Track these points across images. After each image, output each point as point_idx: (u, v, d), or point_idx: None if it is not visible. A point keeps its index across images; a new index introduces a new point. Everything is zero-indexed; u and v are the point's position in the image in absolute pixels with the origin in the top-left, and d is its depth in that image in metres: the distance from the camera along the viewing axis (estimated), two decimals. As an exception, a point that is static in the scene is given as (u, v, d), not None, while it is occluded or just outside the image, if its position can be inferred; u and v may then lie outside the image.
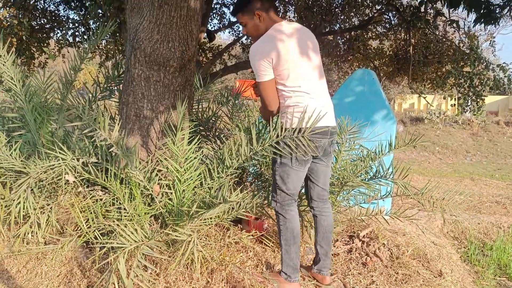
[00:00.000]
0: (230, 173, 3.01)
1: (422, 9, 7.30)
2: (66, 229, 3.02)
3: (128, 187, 2.93)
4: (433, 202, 3.19)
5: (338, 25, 9.57)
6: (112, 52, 8.66)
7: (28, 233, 2.98)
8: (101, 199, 3.01)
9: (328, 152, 2.67)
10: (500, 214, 6.01)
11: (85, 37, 8.10)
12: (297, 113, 2.49)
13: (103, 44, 8.79)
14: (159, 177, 3.04)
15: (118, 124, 2.84)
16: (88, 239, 2.89)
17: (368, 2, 8.87)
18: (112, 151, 2.79)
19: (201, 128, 3.78)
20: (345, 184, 3.23)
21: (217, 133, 3.77)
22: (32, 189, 2.98)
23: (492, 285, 3.47)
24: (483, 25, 4.42)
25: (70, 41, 8.36)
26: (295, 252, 2.68)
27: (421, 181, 9.25)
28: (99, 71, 8.58)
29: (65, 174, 2.82)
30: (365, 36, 9.83)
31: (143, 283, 2.36)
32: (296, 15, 9.29)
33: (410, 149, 15.05)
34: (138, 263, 2.32)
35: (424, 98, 9.51)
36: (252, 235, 3.23)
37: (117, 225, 2.61)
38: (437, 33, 8.74)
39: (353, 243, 3.49)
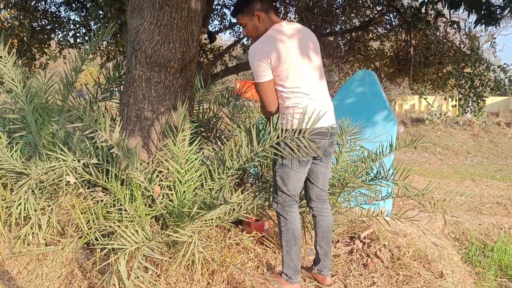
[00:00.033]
0: (231, 174, 3.01)
1: (423, 10, 7.30)
2: (67, 230, 3.02)
3: (129, 188, 2.93)
4: (434, 203, 3.19)
5: (338, 26, 9.57)
6: (113, 53, 8.66)
7: (29, 234, 2.98)
8: (102, 200, 3.01)
9: (328, 153, 2.67)
10: (501, 215, 6.00)
11: (86, 38, 8.11)
12: (297, 114, 2.49)
13: (104, 45, 8.80)
14: (160, 178, 3.04)
15: (119, 125, 2.84)
16: (89, 240, 2.89)
17: (368, 3, 8.88)
18: (113, 152, 2.79)
19: (202, 129, 3.78)
20: (346, 185, 3.22)
21: (218, 134, 3.77)
22: (33, 190, 2.98)
23: (493, 286, 3.46)
24: (483, 26, 4.42)
25: (71, 42, 8.36)
26: (296, 253, 2.68)
27: (422, 182, 9.25)
28: (100, 72, 8.60)
29: (66, 175, 2.82)
30: (366, 37, 9.83)
31: (144, 284, 2.36)
32: (296, 16, 9.29)
33: (411, 150, 15.06)
34: (139, 264, 2.32)
35: (425, 99, 9.52)
36: (253, 236, 3.23)
37: (118, 226, 2.61)
38: (438, 34, 8.74)
39: (354, 244, 3.49)
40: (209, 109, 3.90)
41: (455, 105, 8.19)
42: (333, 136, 2.63)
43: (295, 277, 2.69)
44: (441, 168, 13.61)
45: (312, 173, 2.71)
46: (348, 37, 10.02)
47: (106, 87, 3.69)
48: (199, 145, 3.16)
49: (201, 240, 2.93)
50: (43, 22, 8.27)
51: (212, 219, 2.74)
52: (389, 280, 3.04)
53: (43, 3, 8.03)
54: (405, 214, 3.41)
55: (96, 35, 3.40)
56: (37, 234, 2.97)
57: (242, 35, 10.45)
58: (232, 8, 3.02)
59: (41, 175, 2.78)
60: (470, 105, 7.73)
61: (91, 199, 3.00)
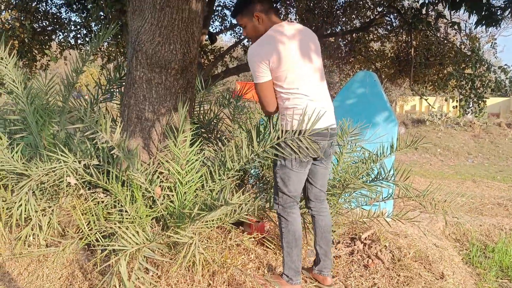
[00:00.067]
0: (232, 175, 3.00)
1: (424, 11, 7.31)
2: (68, 231, 3.02)
3: (129, 189, 2.93)
4: (435, 204, 3.19)
5: (339, 27, 9.57)
6: (113, 54, 8.66)
7: (29, 236, 2.98)
8: (102, 202, 3.01)
9: (328, 154, 2.67)
10: (502, 216, 6.00)
11: (87, 39, 8.12)
12: (296, 115, 2.49)
13: (105, 46, 8.80)
14: (161, 179, 3.04)
15: (119, 126, 2.84)
16: (90, 241, 2.89)
17: (369, 4, 8.88)
18: (114, 153, 2.79)
19: (203, 130, 3.78)
20: (346, 186, 3.22)
21: (218, 135, 3.77)
22: (33, 192, 2.98)
23: (494, 287, 3.46)
24: (484, 27, 4.42)
25: (72, 43, 8.36)
26: (296, 255, 2.67)
27: (422, 183, 9.25)
28: (101, 73, 8.60)
29: (66, 176, 2.82)
30: (367, 38, 9.83)
31: (145, 286, 2.35)
32: (297, 17, 9.30)
33: (411, 151, 15.05)
34: (140, 265, 2.32)
35: (426, 100, 9.52)
36: (253, 238, 3.23)
37: (119, 227, 2.61)
38: (439, 35, 8.74)
39: (354, 245, 3.48)
40: (210, 110, 3.90)
41: (456, 106, 8.19)
42: (333, 137, 2.63)
43: (296, 278, 2.69)
44: (442, 169, 13.60)
45: (311, 173, 2.71)
46: (349, 38, 10.03)
47: (107, 88, 3.69)
48: (200, 146, 3.16)
49: (202, 241, 2.92)
50: (44, 23, 8.27)
51: (212, 220, 2.74)
52: (390, 281, 3.04)
53: (44, 4, 8.04)
54: (406, 215, 3.41)
55: (97, 36, 3.40)
56: (37, 235, 2.96)
57: (242, 36, 10.45)
58: (232, 9, 3.03)
59: (42, 176, 2.78)
60: (471, 106, 7.73)
61: (91, 200, 3.00)
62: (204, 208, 2.54)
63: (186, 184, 2.92)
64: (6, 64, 3.30)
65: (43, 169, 2.76)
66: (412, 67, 8.41)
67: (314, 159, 2.63)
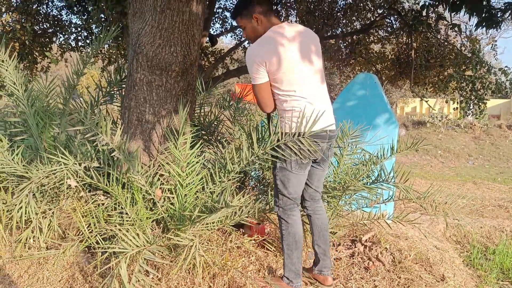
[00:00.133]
0: (232, 178, 3.00)
1: (424, 13, 7.31)
2: (68, 234, 3.02)
3: (130, 191, 2.93)
4: (436, 206, 3.18)
5: (340, 29, 9.58)
6: (114, 57, 8.68)
7: (30, 238, 2.98)
8: (103, 204, 3.01)
9: (327, 156, 2.68)
10: (502, 218, 6.00)
11: (88, 41, 8.12)
12: (294, 118, 2.49)
13: (106, 49, 8.81)
14: (161, 181, 3.04)
15: (120, 128, 2.85)
16: (90, 244, 2.89)
17: (370, 6, 8.89)
18: (114, 155, 2.79)
19: (203, 132, 3.78)
20: (347, 188, 3.22)
21: (219, 137, 3.77)
22: (34, 194, 2.98)
23: (495, 289, 3.45)
24: (484, 29, 4.42)
25: (73, 45, 8.38)
26: (297, 257, 2.67)
27: (423, 185, 9.24)
28: (102, 76, 8.61)
29: (67, 178, 2.82)
30: (367, 40, 9.84)
31: (145, 288, 2.35)
32: (298, 19, 9.31)
33: (412, 153, 15.05)
34: (140, 268, 2.32)
35: (426, 102, 9.52)
36: (254, 240, 3.23)
37: (119, 229, 2.61)
38: (439, 37, 8.74)
39: (355, 247, 3.48)
40: (210, 112, 3.90)
41: (457, 108, 8.20)
42: (331, 139, 2.63)
43: (296, 280, 2.68)
44: (443, 171, 13.59)
45: (307, 174, 2.71)
46: (349, 40, 10.04)
47: (107, 90, 3.69)
48: (200, 148, 3.16)
49: (202, 244, 2.92)
50: (44, 26, 8.29)
51: (213, 223, 2.74)
52: (391, 283, 3.03)
53: (44, 6, 8.06)
54: (406, 217, 3.40)
55: (98, 39, 3.40)
56: (38, 238, 2.96)
57: (243, 38, 10.46)
58: (232, 11, 3.03)
59: (42, 178, 2.78)
60: (471, 107, 7.74)
61: (92, 203, 3.00)
62: (205, 210, 2.54)
63: (187, 186, 2.92)
64: (7, 67, 3.30)
65: (44, 172, 2.76)
66: (413, 69, 8.42)
67: (313, 161, 2.64)
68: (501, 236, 4.63)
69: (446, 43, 8.83)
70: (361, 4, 8.80)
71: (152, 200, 3.00)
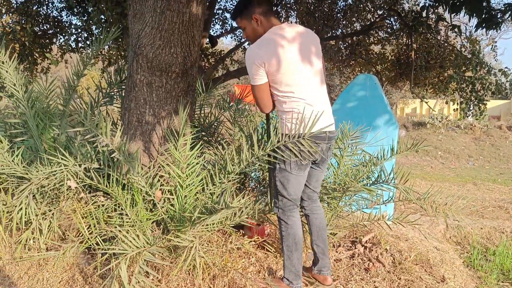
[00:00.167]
0: (232, 179, 3.00)
1: (424, 14, 7.31)
2: (68, 235, 3.02)
3: (130, 193, 2.93)
4: (436, 207, 3.18)
5: (340, 30, 9.57)
6: (114, 58, 8.67)
7: (29, 239, 2.98)
8: (103, 205, 3.00)
9: (326, 157, 2.68)
10: (503, 219, 5.99)
11: (88, 42, 8.13)
12: (294, 119, 2.50)
13: (106, 50, 8.80)
14: (161, 182, 3.04)
15: (120, 129, 2.85)
16: (90, 245, 2.88)
17: (370, 7, 8.89)
18: (114, 156, 2.79)
19: (203, 133, 3.78)
20: (347, 189, 3.22)
21: (219, 138, 3.77)
22: (34, 195, 2.98)
23: (496, 291, 3.45)
24: (484, 30, 4.42)
25: (73, 46, 8.37)
26: (297, 258, 2.67)
27: (423, 186, 9.24)
28: (102, 77, 8.61)
29: (67, 180, 2.82)
30: (367, 41, 9.84)
31: (145, 289, 2.35)
32: (298, 20, 9.31)
33: (412, 154, 15.03)
34: (140, 269, 2.32)
35: (426, 103, 9.53)
36: (254, 241, 3.22)
37: (119, 231, 2.61)
38: (439, 38, 8.74)
39: (355, 248, 3.48)
40: (210, 113, 3.90)
41: (457, 109, 8.19)
42: (331, 140, 2.63)
43: (296, 282, 2.68)
44: (443, 172, 13.58)
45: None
46: (349, 41, 10.03)
47: (107, 91, 3.69)
48: (200, 150, 3.16)
49: (202, 245, 2.92)
50: (45, 27, 8.29)
51: (213, 224, 2.74)
52: (391, 284, 3.03)
53: (45, 7, 8.06)
54: (406, 218, 3.40)
55: (98, 40, 3.40)
56: (38, 239, 2.96)
57: (243, 39, 10.46)
58: (232, 11, 3.04)
59: (42, 179, 2.78)
60: (471, 108, 7.73)
61: (92, 204, 3.00)
62: (205, 211, 2.54)
63: (187, 187, 2.92)
64: (7, 68, 3.30)
65: (44, 173, 2.76)
66: (413, 70, 8.41)
67: (312, 162, 2.64)
68: (501, 237, 4.62)
69: (446, 44, 8.83)
70: (361, 5, 8.79)
71: (152, 201, 3.00)
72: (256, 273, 2.94)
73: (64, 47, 8.43)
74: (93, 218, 2.93)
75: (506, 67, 7.24)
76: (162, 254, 2.77)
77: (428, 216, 4.92)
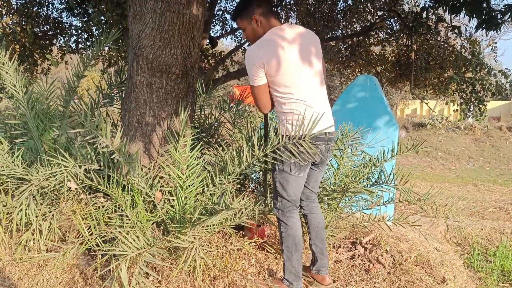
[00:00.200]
0: (232, 180, 3.00)
1: (424, 15, 7.32)
2: (68, 236, 3.02)
3: (130, 194, 2.92)
4: (436, 208, 3.18)
5: (340, 31, 9.57)
6: (114, 59, 8.67)
7: (30, 241, 2.97)
8: (103, 206, 3.00)
9: (325, 158, 2.68)
10: (503, 220, 6.00)
11: (88, 43, 8.13)
12: (294, 121, 2.49)
13: (106, 51, 8.80)
14: (161, 184, 3.04)
15: (120, 130, 2.85)
16: (90, 246, 2.88)
17: (370, 8, 8.89)
18: (114, 158, 2.79)
19: (204, 134, 3.78)
20: (347, 190, 3.22)
21: (219, 140, 3.77)
22: (34, 196, 2.98)
23: (496, 292, 3.45)
24: (484, 31, 4.42)
25: (73, 48, 8.37)
26: (297, 259, 2.67)
27: (423, 187, 9.24)
28: (102, 78, 8.60)
29: (67, 181, 2.82)
30: (367, 42, 9.83)
31: (145, 291, 2.35)
32: (298, 21, 9.31)
33: (412, 154, 15.03)
34: (140, 270, 2.32)
35: (426, 104, 9.52)
36: (254, 242, 3.22)
37: (119, 232, 2.61)
38: (439, 39, 8.74)
39: (355, 249, 3.48)
40: (210, 114, 3.90)
41: (457, 110, 8.20)
42: (330, 141, 2.63)
43: (296, 282, 2.68)
44: (443, 173, 13.58)
45: None
46: (349, 42, 10.03)
47: (107, 92, 3.69)
48: (201, 151, 3.16)
49: (203, 246, 2.92)
50: (45, 28, 8.29)
51: (213, 225, 2.74)
52: (391, 285, 3.03)
53: (45, 9, 8.06)
54: (407, 219, 3.40)
55: (98, 41, 3.40)
56: (38, 240, 2.96)
57: (243, 40, 10.47)
58: (232, 12, 3.05)
59: (42, 181, 2.78)
60: (471, 109, 7.74)
61: (92, 205, 3.00)
62: (205, 212, 2.54)
63: (187, 188, 2.92)
64: (7, 69, 3.30)
65: (44, 174, 2.76)
66: (413, 71, 8.41)
67: (312, 163, 2.64)
68: (502, 238, 4.62)
69: (446, 45, 8.83)
70: (361, 6, 8.80)
71: (152, 203, 3.00)
72: (256, 274, 2.94)
73: (64, 48, 8.43)
74: (93, 219, 2.93)
75: (506, 68, 7.24)
76: (162, 255, 2.76)
77: (429, 217, 4.92)
